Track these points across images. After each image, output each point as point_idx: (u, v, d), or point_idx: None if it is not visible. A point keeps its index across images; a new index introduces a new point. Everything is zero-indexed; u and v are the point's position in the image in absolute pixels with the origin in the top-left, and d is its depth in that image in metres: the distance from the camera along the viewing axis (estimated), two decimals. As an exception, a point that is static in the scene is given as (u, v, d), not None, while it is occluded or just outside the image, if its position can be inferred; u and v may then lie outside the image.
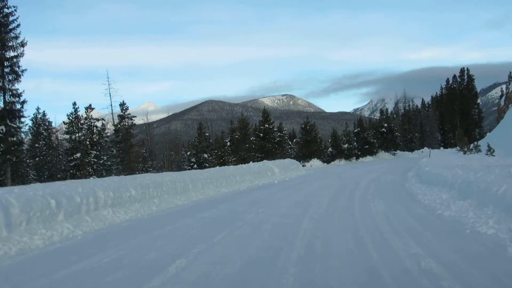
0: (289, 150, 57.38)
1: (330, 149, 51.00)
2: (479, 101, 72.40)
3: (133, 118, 36.23)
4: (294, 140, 59.18)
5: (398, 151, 59.04)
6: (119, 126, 35.35)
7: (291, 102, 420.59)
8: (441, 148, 67.03)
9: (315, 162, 46.71)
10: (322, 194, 15.30)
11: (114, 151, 35.18)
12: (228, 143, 37.19)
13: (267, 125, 38.17)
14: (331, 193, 15.68)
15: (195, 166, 36.19)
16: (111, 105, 35.54)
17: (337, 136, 51.00)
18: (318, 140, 48.31)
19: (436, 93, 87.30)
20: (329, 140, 51.80)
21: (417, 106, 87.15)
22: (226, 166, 22.14)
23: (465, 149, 27.13)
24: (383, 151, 56.83)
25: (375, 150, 54.36)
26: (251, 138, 37.46)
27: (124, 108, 35.73)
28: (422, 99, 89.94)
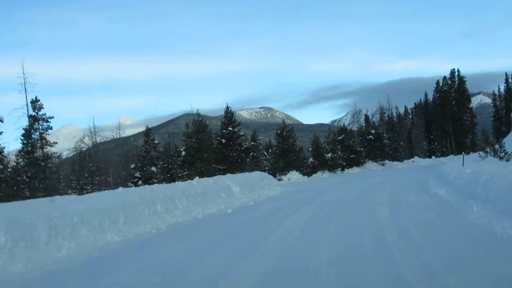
0: (265, 162, 48.96)
1: (311, 159, 42.88)
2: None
3: (49, 120, 27.46)
4: (270, 151, 50.72)
5: (387, 161, 51.08)
6: (30, 130, 26.48)
7: (268, 115, 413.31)
8: (433, 157, 59.39)
9: (294, 175, 38.51)
10: (313, 259, 7.15)
11: (19, 163, 26.32)
12: (183, 153, 28.87)
13: (231, 129, 29.76)
14: (333, 256, 7.56)
15: (140, 182, 27.80)
16: (27, 104, 26.72)
17: (319, 144, 42.84)
18: (297, 149, 40.09)
19: (420, 99, 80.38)
20: (310, 149, 43.61)
21: (399, 113, 79.88)
22: (145, 187, 13.60)
23: (502, 154, 19.22)
24: (371, 161, 48.88)
25: (362, 160, 46.39)
26: (213, 146, 29.10)
27: (37, 106, 26.75)
28: (405, 106, 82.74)
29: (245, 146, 29.51)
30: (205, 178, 17.35)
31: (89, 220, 8.96)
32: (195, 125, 28.64)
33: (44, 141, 27.89)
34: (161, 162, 27.06)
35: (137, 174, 29.07)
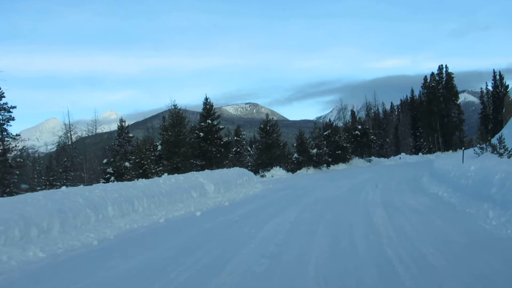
0: (248, 158, 47.04)
1: (295, 155, 41.00)
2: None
3: (11, 110, 24.90)
4: (254, 146, 48.75)
5: (373, 158, 49.42)
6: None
7: (254, 110, 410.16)
8: (420, 153, 57.90)
9: (278, 171, 36.58)
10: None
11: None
12: (159, 147, 26.69)
13: (209, 122, 27.59)
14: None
15: (112, 178, 25.59)
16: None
17: (304, 140, 40.96)
18: (281, 144, 38.15)
19: (407, 96, 78.94)
20: (295, 145, 41.70)
21: (385, 109, 78.38)
22: (96, 186, 11.45)
23: (502, 150, 17.41)
24: (357, 158, 47.18)
25: (348, 156, 44.64)
26: (190, 140, 26.83)
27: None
28: (391, 103, 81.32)
29: (225, 140, 27.31)
30: (176, 175, 15.29)
31: (7, 231, 6.89)
32: (172, 118, 26.41)
33: (5, 133, 25.52)
34: (133, 157, 24.89)
35: (110, 170, 26.85)
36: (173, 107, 26.45)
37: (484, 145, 25.18)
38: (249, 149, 54.15)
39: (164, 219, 10.69)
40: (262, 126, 37.97)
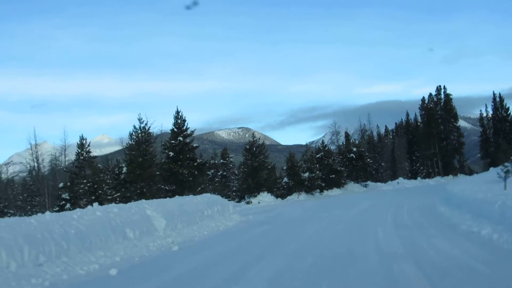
0: (235, 182, 42.58)
1: (285, 179, 36.66)
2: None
3: None
4: (241, 169, 44.34)
5: (369, 182, 45.08)
6: None
7: (247, 135, 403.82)
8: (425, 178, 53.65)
9: (265, 198, 32.19)
10: None
11: None
12: (124, 169, 22.15)
13: (181, 139, 23.08)
14: None
15: (68, 205, 21.07)
16: None
17: (294, 162, 36.64)
18: (269, 167, 33.78)
19: (402, 119, 75.18)
20: (284, 168, 37.38)
21: (380, 133, 74.38)
22: None
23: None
24: (353, 182, 42.84)
25: (343, 181, 40.29)
26: (160, 161, 22.23)
27: None
28: (386, 126, 77.23)
29: (199, 161, 22.78)
30: (112, 205, 10.82)
31: None
32: (136, 134, 21.92)
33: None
34: (85, 181, 20.26)
35: (65, 196, 22.30)
36: (143, 124, 21.78)
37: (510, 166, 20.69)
38: (236, 172, 49.77)
39: (49, 283, 6.26)
40: (248, 147, 33.65)
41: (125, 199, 19.37)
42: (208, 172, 56.20)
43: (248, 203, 30.95)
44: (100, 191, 18.91)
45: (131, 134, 22.59)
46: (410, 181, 50.05)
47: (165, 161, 21.97)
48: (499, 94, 60.11)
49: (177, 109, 23.09)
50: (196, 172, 21.09)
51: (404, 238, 9.68)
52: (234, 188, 37.42)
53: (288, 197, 34.97)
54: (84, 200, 19.00)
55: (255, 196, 32.06)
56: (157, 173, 20.95)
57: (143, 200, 12.12)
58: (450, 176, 55.39)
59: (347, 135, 56.17)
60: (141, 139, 21.26)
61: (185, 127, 22.54)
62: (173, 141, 22.03)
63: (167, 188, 21.05)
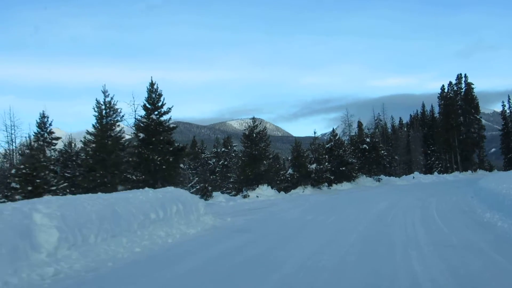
0: (233, 174, 38.48)
1: (290, 170, 32.45)
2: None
3: None
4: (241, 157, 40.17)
5: (382, 176, 40.58)
6: None
7: (262, 127, 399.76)
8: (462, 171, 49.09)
9: (265, 191, 27.97)
10: None
11: None
12: (84, 156, 17.85)
13: (154, 117, 18.90)
14: None
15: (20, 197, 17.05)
16: None
17: (301, 152, 32.35)
18: (270, 156, 29.51)
19: (417, 111, 70.22)
20: (289, 158, 33.13)
21: (394, 125, 69.49)
22: None
23: None
24: (365, 176, 38.40)
25: (354, 174, 35.87)
26: (128, 144, 17.79)
27: None
28: (400, 118, 72.17)
29: (177, 145, 18.21)
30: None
31: None
32: (100, 110, 17.37)
33: None
34: (22, 166, 16.05)
35: (16, 185, 18.09)
36: (108, 98, 17.24)
37: None
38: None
39: None
40: (246, 133, 29.34)
41: (78, 191, 15.22)
42: (210, 162, 52.40)
43: (245, 196, 26.77)
44: (38, 180, 14.66)
45: (95, 112, 18.03)
46: (427, 176, 45.50)
47: (134, 144, 17.60)
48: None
49: (151, 80, 18.39)
50: (171, 159, 16.75)
51: (461, 276, 5.42)
52: (232, 180, 33.29)
53: (292, 191, 30.73)
54: (19, 191, 14.73)
55: (253, 189, 27.85)
56: (125, 159, 16.76)
57: (91, 195, 8.12)
58: (469, 171, 50.75)
59: (360, 125, 51.49)
60: (105, 117, 16.96)
61: (160, 103, 17.90)
62: (144, 120, 17.48)
63: (135, 178, 16.69)
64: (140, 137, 16.84)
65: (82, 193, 12.32)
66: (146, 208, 9.44)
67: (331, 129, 38.21)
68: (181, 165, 41.16)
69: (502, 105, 57.36)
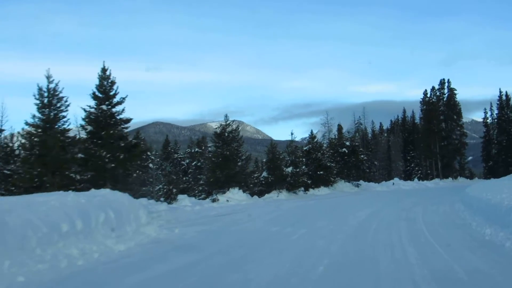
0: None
1: (264, 173, 30.21)
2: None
3: None
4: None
5: (362, 182, 38.73)
6: None
7: (239, 128, 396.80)
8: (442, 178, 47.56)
9: (236, 195, 25.76)
10: None
11: None
12: (22, 152, 15.15)
13: (105, 107, 16.46)
14: None
15: None
16: None
17: (276, 153, 30.22)
18: (242, 157, 27.27)
19: (398, 116, 68.82)
20: (264, 160, 31.00)
21: (374, 130, 67.85)
22: None
23: None
24: (343, 181, 36.46)
25: (332, 179, 33.86)
26: (71, 142, 14.97)
27: None
28: (380, 123, 70.55)
29: (131, 140, 15.53)
30: None
31: None
32: (42, 98, 14.64)
33: None
34: None
35: None
36: (52, 84, 14.54)
37: None
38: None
39: None
40: (218, 132, 27.06)
41: (20, 192, 12.78)
42: (183, 163, 49.91)
43: (214, 200, 24.51)
44: None
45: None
46: (407, 183, 43.89)
47: (80, 139, 15.02)
48: (506, 92, 54.06)
49: (104, 66, 15.77)
50: (121, 156, 14.30)
51: None
52: (201, 182, 30.98)
53: (266, 195, 28.58)
54: None
55: (224, 192, 25.60)
56: (68, 155, 14.27)
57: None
58: (450, 179, 49.31)
59: (340, 128, 49.59)
60: (47, 106, 14.43)
61: (113, 92, 15.29)
62: (93, 110, 14.85)
63: (80, 177, 14.18)
64: (88, 130, 14.40)
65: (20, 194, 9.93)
66: (57, 217, 7.11)
67: (316, 139, 36.06)
68: (150, 165, 38.79)
69: (484, 112, 56.20)
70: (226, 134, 26.76)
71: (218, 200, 24.63)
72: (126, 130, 14.86)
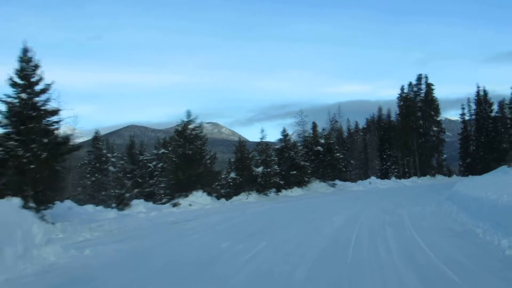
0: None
1: (233, 174, 27.71)
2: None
3: None
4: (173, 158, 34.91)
5: (337, 181, 36.43)
6: None
7: (215, 130, 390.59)
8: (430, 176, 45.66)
9: (200, 198, 23.20)
10: None
11: None
12: None
13: (25, 96, 12.05)
14: None
15: None
16: None
17: (245, 152, 27.74)
18: (207, 157, 24.60)
19: (373, 114, 67.08)
20: (232, 160, 28.44)
21: (350, 128, 65.89)
22: None
23: None
24: (318, 181, 34.07)
25: (306, 179, 31.48)
26: None
27: None
28: (356, 121, 68.59)
29: (55, 136, 12.53)
30: None
31: None
32: None
33: None
34: None
35: None
36: None
37: None
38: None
39: None
40: (180, 129, 24.32)
41: None
42: (149, 165, 46.88)
43: (175, 205, 21.87)
44: None
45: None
46: (384, 181, 41.78)
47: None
48: (483, 87, 52.69)
49: (25, 46, 12.34)
50: (44, 155, 11.45)
51: None
52: (163, 185, 28.21)
53: (234, 198, 26.06)
54: None
55: (186, 196, 22.93)
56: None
57: None
58: (427, 176, 47.54)
59: (314, 126, 47.25)
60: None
61: (36, 77, 12.06)
62: (12, 99, 11.80)
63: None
64: (1, 124, 11.56)
65: None
66: None
67: (289, 137, 33.51)
68: (111, 168, 35.67)
69: (462, 108, 54.68)
70: (189, 132, 24.07)
71: (179, 204, 22.02)
72: (55, 125, 12.04)
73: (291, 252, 7.11)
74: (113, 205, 21.22)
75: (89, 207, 19.28)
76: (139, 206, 20.87)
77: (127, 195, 21.04)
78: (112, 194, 22.50)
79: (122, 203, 20.63)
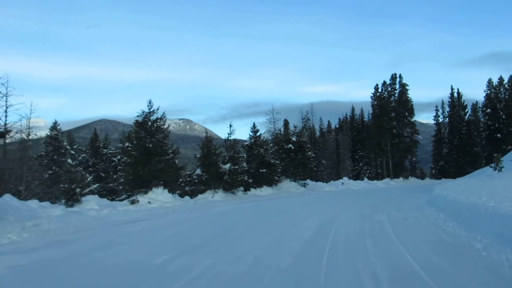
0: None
1: (198, 170, 25.68)
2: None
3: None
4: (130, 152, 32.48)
5: (309, 181, 34.79)
6: None
7: (188, 127, 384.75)
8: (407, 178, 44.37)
9: (160, 195, 21.19)
10: None
11: None
12: None
13: None
14: None
15: None
16: None
17: (212, 148, 25.75)
18: (170, 150, 22.49)
19: (346, 114, 65.99)
20: (198, 156, 26.38)
21: (322, 128, 64.43)
22: None
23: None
24: (289, 180, 32.36)
25: (276, 178, 29.69)
26: None
27: None
28: (329, 121, 67.20)
29: None
30: None
31: None
32: None
33: None
34: None
35: None
36: None
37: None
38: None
39: None
40: (140, 121, 22.14)
41: None
42: (114, 159, 44.46)
43: (133, 202, 19.71)
44: None
45: None
46: (356, 182, 40.43)
47: None
48: (458, 89, 51.98)
49: None
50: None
51: None
52: (122, 180, 26.00)
53: (200, 196, 24.09)
54: None
55: (145, 193, 20.81)
56: None
57: None
58: (401, 178, 46.44)
59: (286, 123, 45.55)
60: None
61: None
62: None
63: None
64: None
65: None
66: None
67: (259, 133, 31.54)
68: (69, 161, 33.12)
69: (436, 110, 53.96)
70: (150, 124, 21.92)
71: (137, 201, 19.88)
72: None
73: (240, 276, 5.21)
74: (63, 200, 18.98)
75: (33, 203, 17.05)
76: (91, 203, 18.67)
77: (78, 190, 18.72)
78: (62, 189, 20.19)
79: (71, 199, 18.37)
